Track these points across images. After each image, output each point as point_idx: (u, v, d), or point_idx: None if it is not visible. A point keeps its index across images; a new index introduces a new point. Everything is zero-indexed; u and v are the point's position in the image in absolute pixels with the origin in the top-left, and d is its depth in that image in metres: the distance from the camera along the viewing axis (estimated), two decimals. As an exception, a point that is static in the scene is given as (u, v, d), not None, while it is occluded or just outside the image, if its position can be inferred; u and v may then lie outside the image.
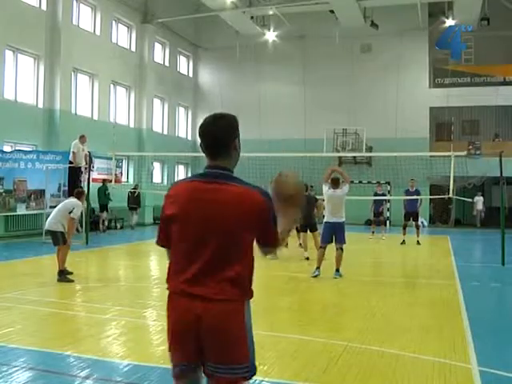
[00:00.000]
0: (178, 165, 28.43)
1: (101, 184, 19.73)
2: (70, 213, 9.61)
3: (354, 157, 25.89)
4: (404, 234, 17.30)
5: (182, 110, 29.61)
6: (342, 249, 10.28)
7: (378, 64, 26.49)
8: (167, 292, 2.71)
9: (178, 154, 24.84)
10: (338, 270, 10.33)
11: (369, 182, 24.76)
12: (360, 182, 24.67)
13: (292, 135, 27.01)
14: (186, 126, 30.00)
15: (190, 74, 30.22)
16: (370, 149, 25.47)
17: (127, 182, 23.40)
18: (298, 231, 14.20)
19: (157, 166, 26.12)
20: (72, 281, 9.47)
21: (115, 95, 23.73)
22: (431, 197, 23.35)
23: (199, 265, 2.59)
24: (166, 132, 27.67)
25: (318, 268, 10.43)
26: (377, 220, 19.78)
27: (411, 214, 17.55)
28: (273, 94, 28.28)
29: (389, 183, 24.78)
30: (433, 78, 26.26)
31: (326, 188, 10.47)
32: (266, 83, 28.41)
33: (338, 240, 10.30)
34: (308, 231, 13.12)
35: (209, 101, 29.60)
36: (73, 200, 9.95)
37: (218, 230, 2.60)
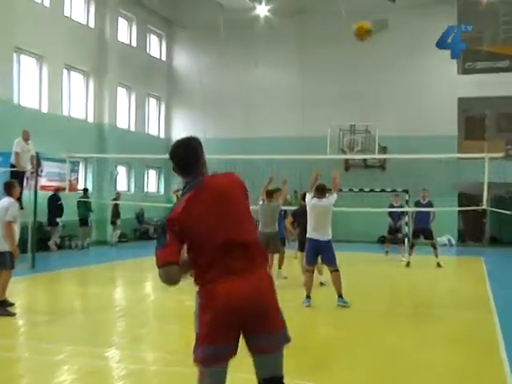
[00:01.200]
0: (147, 169, 28.26)
1: (81, 193, 20.30)
2: None
3: (365, 159, 25.85)
4: (410, 254, 17.44)
5: (152, 101, 29.41)
6: (337, 270, 10.25)
7: (395, 45, 26.24)
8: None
9: (148, 155, 24.37)
10: (341, 297, 10.28)
11: (382, 191, 23.99)
12: (371, 190, 24.18)
13: (288, 133, 26.91)
14: (159, 122, 29.75)
15: (163, 58, 29.87)
16: (383, 149, 25.28)
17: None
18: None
19: (122, 170, 26.06)
20: (14, 314, 9.33)
21: (69, 82, 23.57)
22: (460, 208, 23.24)
23: None
24: (133, 128, 27.39)
25: (308, 297, 10.45)
26: (393, 238, 19.69)
27: (421, 230, 17.49)
28: (264, 82, 28.09)
29: (407, 192, 23.57)
30: (462, 61, 25.50)
31: (309, 197, 10.68)
32: (256, 69, 28.18)
33: (326, 261, 10.42)
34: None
35: (186, 90, 29.64)
36: (4, 200, 9.62)
37: None
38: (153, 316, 10.01)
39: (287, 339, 3.75)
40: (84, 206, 21.20)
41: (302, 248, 12.75)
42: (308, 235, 10.48)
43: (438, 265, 16.86)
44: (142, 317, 9.82)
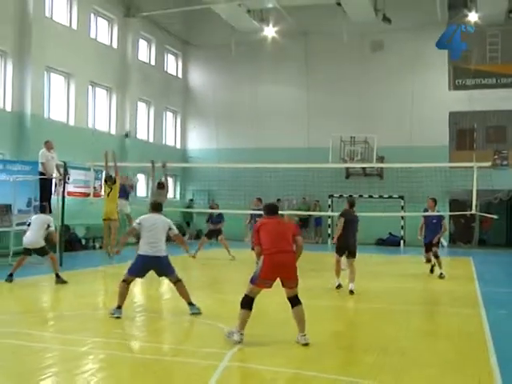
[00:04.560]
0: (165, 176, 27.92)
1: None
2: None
3: (364, 168, 25.92)
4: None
5: (169, 114, 29.54)
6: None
7: (391, 63, 26.58)
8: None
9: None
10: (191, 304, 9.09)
11: (380, 197, 25.18)
12: (370, 196, 25.01)
13: (293, 144, 27.14)
14: (175, 133, 29.96)
15: (179, 75, 30.12)
16: (381, 159, 25.34)
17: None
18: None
19: (141, 178, 25.90)
20: (65, 282, 12.07)
21: (94, 98, 23.75)
22: (451, 213, 23.20)
23: None
24: (151, 140, 27.54)
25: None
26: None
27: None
28: (272, 97, 28.35)
29: (402, 198, 25.19)
30: (453, 78, 25.99)
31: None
32: (264, 85, 28.56)
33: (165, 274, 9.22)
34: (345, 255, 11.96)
35: (200, 105, 29.90)
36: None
37: None
38: (168, 312, 9.99)
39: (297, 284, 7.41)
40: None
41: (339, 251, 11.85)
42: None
43: (441, 275, 14.40)
44: (160, 313, 9.86)
